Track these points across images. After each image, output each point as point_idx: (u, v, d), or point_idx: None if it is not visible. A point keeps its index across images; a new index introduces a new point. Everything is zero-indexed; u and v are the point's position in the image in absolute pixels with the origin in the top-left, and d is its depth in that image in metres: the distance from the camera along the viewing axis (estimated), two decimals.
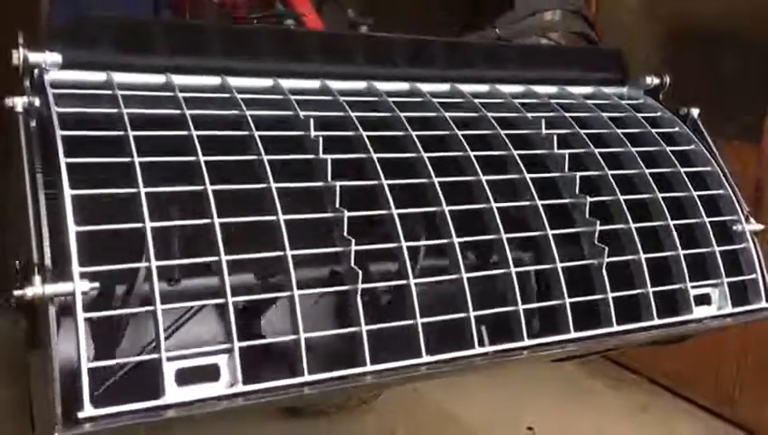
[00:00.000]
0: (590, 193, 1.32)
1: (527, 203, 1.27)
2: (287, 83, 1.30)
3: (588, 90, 1.60)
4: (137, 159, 1.04)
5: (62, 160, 0.99)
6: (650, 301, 1.29)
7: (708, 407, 2.89)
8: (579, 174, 1.32)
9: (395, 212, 1.14)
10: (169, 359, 0.95)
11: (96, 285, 0.93)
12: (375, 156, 1.19)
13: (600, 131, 1.46)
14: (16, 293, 0.90)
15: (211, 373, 0.98)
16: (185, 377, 0.96)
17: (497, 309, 1.18)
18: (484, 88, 1.48)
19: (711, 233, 1.39)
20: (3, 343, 2.08)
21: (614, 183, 1.35)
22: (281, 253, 1.05)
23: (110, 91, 1.13)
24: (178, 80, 1.22)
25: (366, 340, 1.06)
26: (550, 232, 1.25)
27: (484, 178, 1.25)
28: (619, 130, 1.46)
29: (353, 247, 1.08)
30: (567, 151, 1.35)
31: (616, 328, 1.25)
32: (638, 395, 3.07)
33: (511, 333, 1.18)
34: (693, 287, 1.35)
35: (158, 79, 1.22)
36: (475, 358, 1.12)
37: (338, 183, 1.13)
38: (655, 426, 2.83)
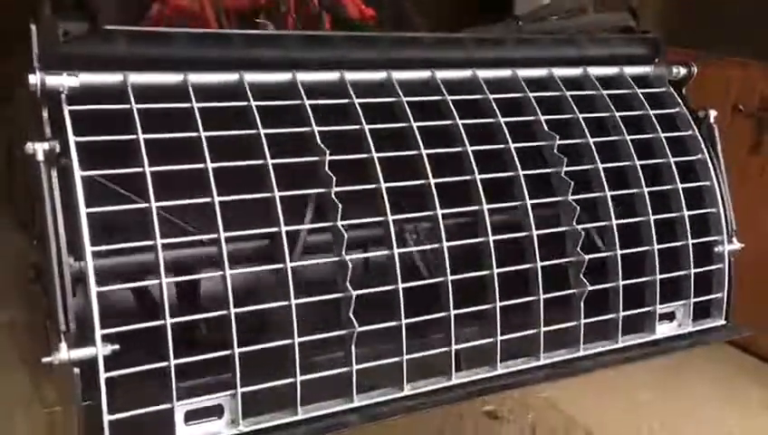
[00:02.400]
0: (585, 208, 1.38)
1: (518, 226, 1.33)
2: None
3: (612, 71, 1.55)
4: (154, 204, 1.07)
5: (83, 211, 1.02)
6: (619, 325, 1.41)
7: None
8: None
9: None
10: (180, 404, 1.07)
11: (116, 347, 1.02)
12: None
13: (607, 139, 1.45)
14: (45, 360, 0.99)
15: (214, 411, 1.11)
16: (191, 416, 1.09)
17: (474, 342, 1.29)
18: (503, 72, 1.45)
19: (691, 255, 1.47)
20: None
21: (609, 201, 1.39)
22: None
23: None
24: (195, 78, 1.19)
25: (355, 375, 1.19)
26: (539, 263, 1.32)
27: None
28: (629, 137, 1.46)
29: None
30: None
31: (583, 352, 1.38)
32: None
33: (486, 361, 1.30)
34: (661, 307, 1.46)
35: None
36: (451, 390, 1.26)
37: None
38: None
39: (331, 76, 1.30)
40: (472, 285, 1.29)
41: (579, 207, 1.35)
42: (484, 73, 1.42)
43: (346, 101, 1.28)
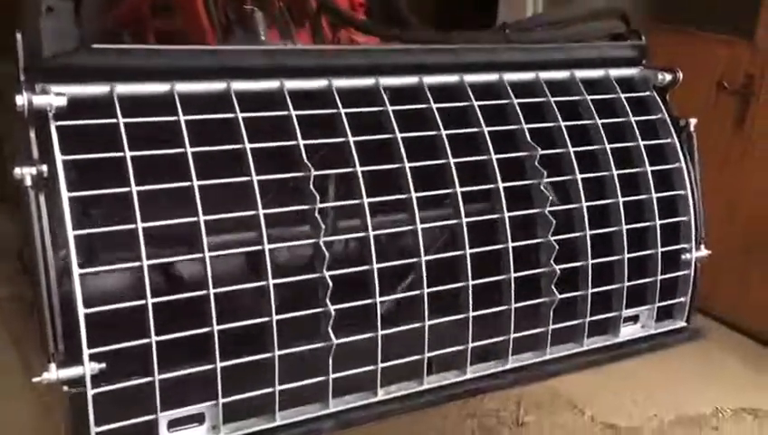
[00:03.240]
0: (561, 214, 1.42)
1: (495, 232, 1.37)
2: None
3: (598, 74, 1.56)
4: (140, 225, 1.09)
5: (71, 235, 1.04)
6: (585, 329, 1.47)
7: None
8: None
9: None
10: (163, 415, 1.13)
11: (103, 366, 1.06)
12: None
13: (588, 149, 1.48)
14: (35, 380, 1.03)
15: (196, 417, 1.17)
16: (173, 423, 1.15)
17: (447, 350, 1.35)
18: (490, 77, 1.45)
19: (660, 263, 1.52)
20: None
21: (585, 212, 1.43)
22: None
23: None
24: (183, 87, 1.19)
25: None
26: (512, 275, 1.37)
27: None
28: (609, 146, 1.48)
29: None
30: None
31: (550, 356, 1.44)
32: None
33: (456, 366, 1.37)
34: (627, 311, 1.52)
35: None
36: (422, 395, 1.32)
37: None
38: None
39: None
40: (446, 291, 1.34)
41: (555, 221, 1.39)
42: (470, 78, 1.43)
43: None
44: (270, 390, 1.20)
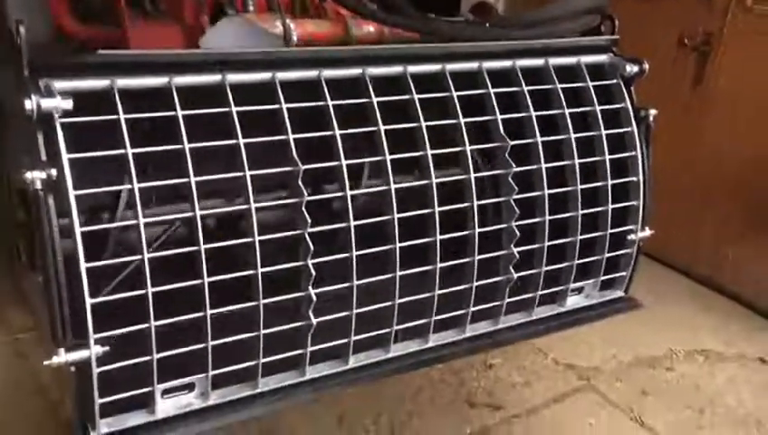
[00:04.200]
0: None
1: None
2: None
3: (570, 61, 1.63)
4: (141, 220, 1.17)
5: (78, 231, 1.12)
6: (536, 301, 1.63)
7: None
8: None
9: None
10: (159, 386, 1.25)
11: (106, 348, 1.17)
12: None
13: (554, 139, 1.58)
14: (46, 362, 1.14)
15: (188, 386, 1.30)
16: (167, 391, 1.28)
17: (413, 323, 1.49)
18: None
19: (608, 242, 1.67)
20: None
21: (546, 199, 1.55)
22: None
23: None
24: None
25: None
26: (476, 257, 1.50)
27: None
28: (573, 135, 1.59)
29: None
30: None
31: (503, 325, 1.60)
32: None
33: (420, 333, 1.51)
34: (574, 284, 1.68)
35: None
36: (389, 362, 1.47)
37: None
38: None
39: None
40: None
41: (518, 212, 1.51)
42: (451, 66, 1.49)
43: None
44: (254, 362, 1.33)
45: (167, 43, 1.70)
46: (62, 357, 1.14)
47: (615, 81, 1.68)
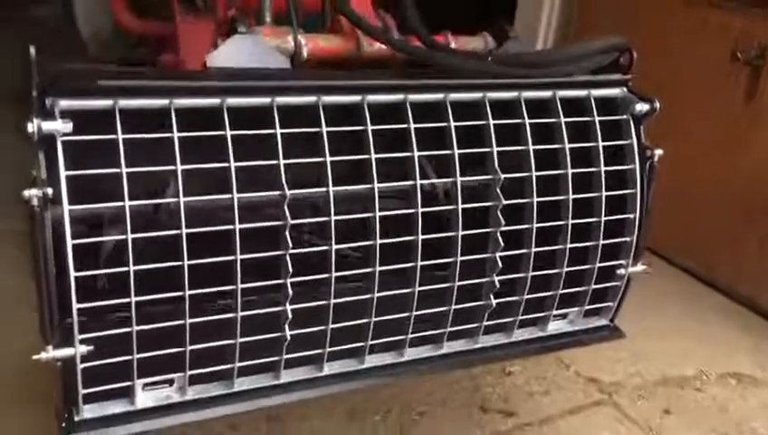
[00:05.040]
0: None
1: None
2: None
3: (580, 94, 1.63)
4: (130, 236, 1.26)
5: (69, 244, 1.22)
6: (516, 324, 1.68)
7: None
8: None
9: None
10: (139, 381, 1.37)
11: (91, 348, 1.28)
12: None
13: (553, 173, 1.59)
14: (35, 357, 1.25)
15: (167, 380, 1.41)
16: (148, 384, 1.39)
17: (388, 338, 1.56)
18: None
19: (596, 275, 1.70)
20: None
21: (534, 233, 1.58)
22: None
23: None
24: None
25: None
26: (456, 284, 1.55)
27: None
28: (571, 171, 1.60)
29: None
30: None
31: (481, 344, 1.66)
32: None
33: (396, 346, 1.59)
34: (557, 311, 1.72)
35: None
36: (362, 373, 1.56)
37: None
38: None
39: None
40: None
41: (503, 244, 1.55)
42: (454, 96, 1.52)
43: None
44: (230, 366, 1.43)
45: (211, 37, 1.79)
46: (50, 353, 1.26)
47: (624, 116, 1.67)
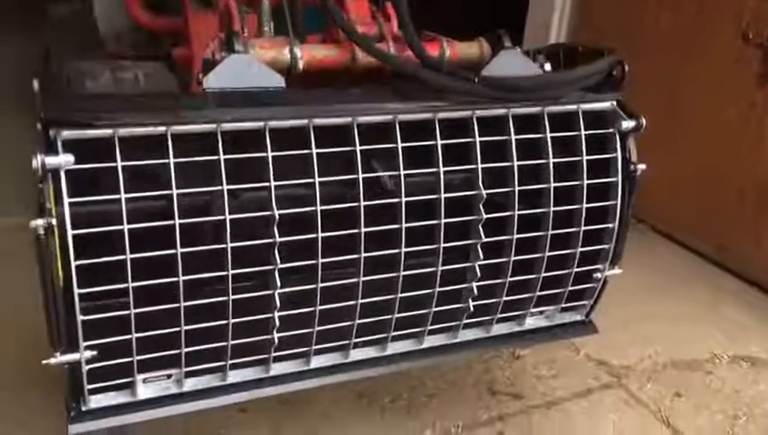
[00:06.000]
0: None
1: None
2: None
3: (569, 108, 1.68)
4: (128, 256, 1.37)
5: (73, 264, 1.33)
6: (494, 321, 1.79)
7: None
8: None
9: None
10: (140, 376, 1.51)
11: (95, 353, 1.41)
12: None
13: (535, 187, 1.66)
14: (44, 362, 1.39)
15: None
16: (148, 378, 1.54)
17: (373, 337, 1.68)
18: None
19: (573, 278, 1.79)
20: None
21: (513, 244, 1.67)
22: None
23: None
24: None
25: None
26: (437, 290, 1.65)
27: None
28: (553, 184, 1.67)
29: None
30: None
31: (460, 339, 1.78)
32: None
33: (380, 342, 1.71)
34: (535, 309, 1.83)
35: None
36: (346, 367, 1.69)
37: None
38: None
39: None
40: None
41: (482, 258, 1.64)
42: (443, 115, 1.57)
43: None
44: (223, 363, 1.56)
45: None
46: (58, 359, 1.40)
47: (611, 130, 1.72)
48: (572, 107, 1.68)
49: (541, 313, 1.87)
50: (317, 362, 1.67)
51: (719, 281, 3.01)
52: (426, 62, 1.62)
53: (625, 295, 2.55)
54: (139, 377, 1.51)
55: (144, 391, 1.53)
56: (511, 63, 1.69)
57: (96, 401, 1.50)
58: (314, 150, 1.47)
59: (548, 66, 1.85)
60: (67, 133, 1.31)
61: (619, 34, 3.10)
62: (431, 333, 1.75)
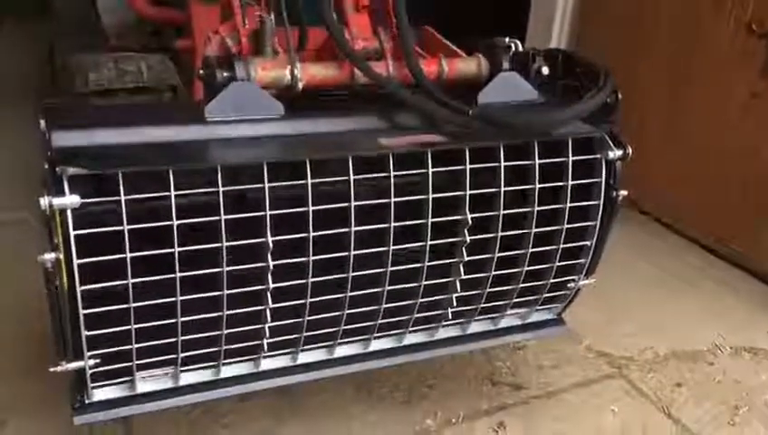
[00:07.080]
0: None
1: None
2: None
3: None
4: (132, 280, 1.46)
5: (79, 290, 1.43)
6: (471, 323, 1.92)
7: None
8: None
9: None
10: (139, 374, 1.64)
11: (98, 361, 1.54)
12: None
13: (519, 210, 1.74)
14: (51, 369, 1.51)
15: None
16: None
17: (357, 339, 1.80)
18: None
19: (548, 288, 1.90)
20: None
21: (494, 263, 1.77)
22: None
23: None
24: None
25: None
26: (419, 300, 1.76)
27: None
28: (537, 208, 1.74)
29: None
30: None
31: (438, 337, 1.91)
32: None
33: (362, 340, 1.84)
34: (510, 312, 1.95)
35: None
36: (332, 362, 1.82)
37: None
38: None
39: None
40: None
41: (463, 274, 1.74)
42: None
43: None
44: (215, 364, 1.69)
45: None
46: (65, 366, 1.52)
47: (597, 156, 1.78)
48: (563, 136, 1.73)
49: (515, 314, 1.99)
50: (304, 358, 1.80)
51: (721, 272, 3.02)
52: (422, 86, 1.65)
53: (627, 287, 2.79)
54: (139, 375, 1.64)
55: (143, 386, 1.67)
56: (508, 89, 1.73)
57: (99, 395, 1.64)
58: (309, 180, 1.53)
59: (546, 70, 1.88)
60: (73, 170, 1.37)
61: (622, 27, 3.09)
62: (412, 332, 1.88)
